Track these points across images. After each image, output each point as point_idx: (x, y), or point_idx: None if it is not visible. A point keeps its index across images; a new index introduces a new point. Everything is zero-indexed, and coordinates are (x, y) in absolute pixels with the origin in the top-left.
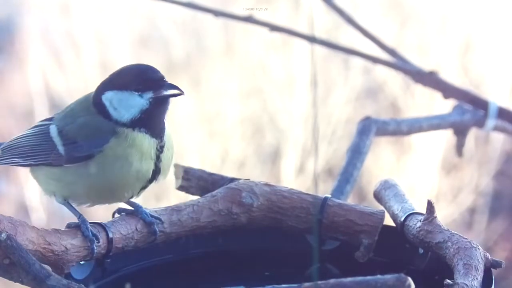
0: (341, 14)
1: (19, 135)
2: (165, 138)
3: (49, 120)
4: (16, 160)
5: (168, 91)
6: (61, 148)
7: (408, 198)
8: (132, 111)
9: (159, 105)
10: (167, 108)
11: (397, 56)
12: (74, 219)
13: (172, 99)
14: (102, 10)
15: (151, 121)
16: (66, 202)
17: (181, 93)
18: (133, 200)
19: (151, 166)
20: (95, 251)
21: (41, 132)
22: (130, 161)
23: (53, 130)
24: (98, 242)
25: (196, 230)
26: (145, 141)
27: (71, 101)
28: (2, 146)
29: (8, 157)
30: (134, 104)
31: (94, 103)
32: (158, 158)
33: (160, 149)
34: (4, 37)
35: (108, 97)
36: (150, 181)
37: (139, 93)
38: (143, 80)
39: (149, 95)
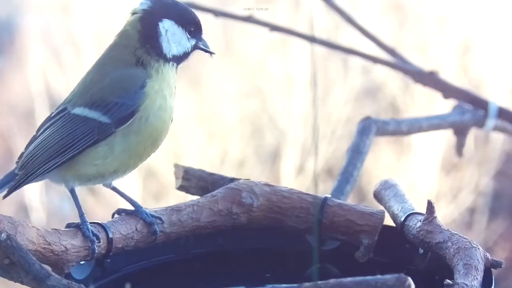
0: (341, 13)
1: (33, 145)
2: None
3: (58, 113)
4: (52, 162)
5: (205, 46)
6: (104, 118)
7: (408, 198)
8: (179, 48)
9: (192, 53)
10: (211, 54)
11: (397, 56)
12: (74, 219)
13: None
14: (102, 10)
15: (181, 62)
16: (73, 190)
17: (213, 53)
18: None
19: (173, 104)
20: (96, 251)
21: (67, 121)
22: (165, 95)
23: (80, 110)
24: (99, 242)
25: (196, 230)
26: (171, 74)
27: None
28: (20, 164)
29: (35, 169)
30: (183, 43)
31: (145, 28)
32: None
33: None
34: (4, 37)
35: (166, 26)
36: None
37: (189, 36)
38: (195, 25)
39: (193, 41)
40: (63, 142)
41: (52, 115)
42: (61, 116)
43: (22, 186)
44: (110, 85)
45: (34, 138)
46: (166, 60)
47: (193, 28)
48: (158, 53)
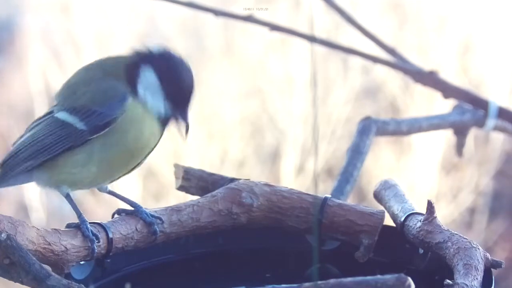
0: (341, 13)
1: (16, 144)
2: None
3: (45, 115)
4: (29, 163)
5: (181, 122)
6: (80, 124)
7: (408, 198)
8: (151, 101)
9: (167, 121)
10: (181, 134)
11: (396, 55)
12: (74, 219)
13: None
14: (102, 10)
15: (162, 119)
16: (69, 197)
17: (183, 136)
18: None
19: (156, 135)
20: (96, 251)
21: (48, 124)
22: (145, 124)
23: (62, 115)
24: (99, 242)
25: (196, 230)
26: (150, 120)
27: None
28: (1, 162)
29: (15, 167)
30: (157, 100)
31: (130, 63)
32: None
33: (162, 133)
34: (4, 37)
35: (147, 73)
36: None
37: (166, 100)
38: (177, 94)
39: (168, 109)
40: (40, 144)
41: (41, 117)
42: (46, 118)
43: (1, 185)
44: (93, 92)
45: (19, 138)
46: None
47: (171, 95)
48: (137, 93)
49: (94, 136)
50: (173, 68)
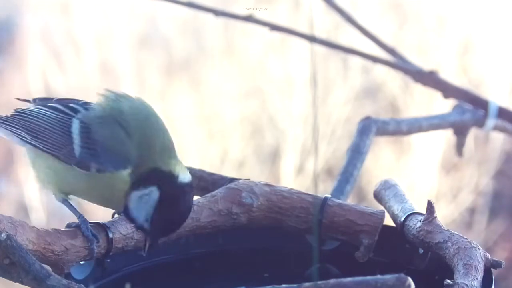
0: (341, 13)
1: (34, 108)
2: None
3: (72, 110)
4: (23, 134)
5: (147, 242)
6: (77, 148)
7: (408, 198)
8: (134, 211)
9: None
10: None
11: (396, 55)
12: (74, 219)
13: None
14: (102, 10)
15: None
16: (65, 201)
17: (143, 251)
18: None
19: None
20: (95, 251)
21: (61, 121)
22: (115, 194)
23: (75, 125)
24: (98, 242)
25: (196, 230)
26: None
27: None
28: (13, 111)
29: (14, 125)
30: (138, 214)
31: (149, 172)
32: None
33: None
34: (4, 37)
35: (153, 193)
36: None
37: (149, 220)
38: (162, 223)
39: (147, 225)
40: (41, 130)
41: (67, 104)
42: (66, 113)
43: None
44: (111, 136)
45: (46, 101)
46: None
47: (161, 224)
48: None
49: (76, 168)
50: (175, 201)
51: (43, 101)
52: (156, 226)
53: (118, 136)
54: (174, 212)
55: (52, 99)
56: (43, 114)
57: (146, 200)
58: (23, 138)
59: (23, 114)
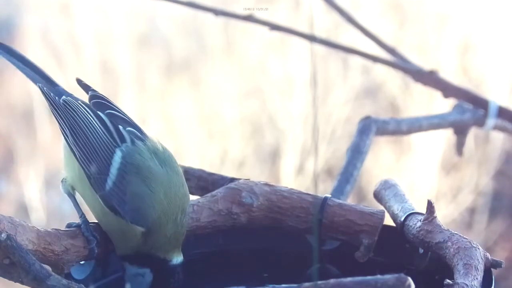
0: (341, 13)
1: (85, 111)
2: None
3: (120, 137)
4: (67, 132)
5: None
6: (109, 181)
7: (408, 198)
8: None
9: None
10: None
11: (396, 55)
12: (74, 219)
13: None
14: (102, 10)
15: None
16: (71, 195)
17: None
18: None
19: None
20: (95, 251)
21: (106, 144)
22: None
23: (117, 158)
24: (98, 242)
25: (196, 230)
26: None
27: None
28: (65, 99)
29: (62, 117)
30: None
31: (150, 251)
32: None
33: None
34: (4, 37)
35: (146, 274)
36: None
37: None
38: None
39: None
40: (84, 139)
41: (114, 124)
42: (113, 139)
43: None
44: (141, 192)
45: (99, 105)
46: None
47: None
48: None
49: (103, 203)
50: (166, 284)
51: (97, 102)
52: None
53: (148, 196)
54: None
55: (105, 102)
56: (91, 125)
57: (140, 280)
58: (65, 136)
59: (74, 112)
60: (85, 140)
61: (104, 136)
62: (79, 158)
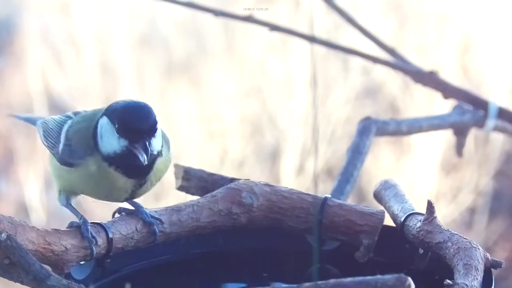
0: (341, 13)
1: (54, 116)
2: (151, 175)
3: (74, 114)
4: (42, 137)
5: (138, 151)
6: (60, 147)
7: (408, 198)
8: (108, 147)
9: (132, 157)
10: (141, 162)
11: (396, 55)
12: (74, 219)
13: None
14: (102, 10)
15: (125, 167)
16: (69, 205)
17: (141, 163)
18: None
19: (125, 193)
20: (95, 251)
21: (60, 123)
22: (100, 184)
23: (66, 126)
24: (97, 243)
25: (196, 230)
26: (118, 179)
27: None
28: (42, 120)
29: (41, 131)
30: (112, 143)
31: (97, 121)
32: (136, 187)
33: (138, 186)
34: (4, 37)
35: (102, 123)
36: (131, 195)
37: (119, 135)
38: (125, 126)
39: (124, 142)
40: (48, 132)
41: (73, 112)
42: (67, 116)
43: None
44: (78, 129)
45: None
46: (104, 159)
47: (122, 129)
48: (97, 148)
49: (62, 166)
50: (124, 109)
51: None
52: (124, 125)
53: (86, 132)
54: (127, 108)
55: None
56: (54, 119)
57: (103, 131)
58: (42, 140)
59: (46, 121)
60: (49, 131)
61: (60, 119)
62: (47, 147)
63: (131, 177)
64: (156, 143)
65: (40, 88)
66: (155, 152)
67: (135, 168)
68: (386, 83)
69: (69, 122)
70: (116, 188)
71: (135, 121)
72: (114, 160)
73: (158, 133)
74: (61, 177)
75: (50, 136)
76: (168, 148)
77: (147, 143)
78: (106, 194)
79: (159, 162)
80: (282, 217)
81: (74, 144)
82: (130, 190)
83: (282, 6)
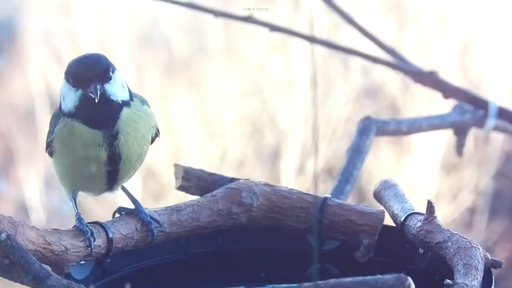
0: (341, 14)
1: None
2: (120, 125)
3: None
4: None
5: (92, 91)
6: (49, 136)
7: (408, 198)
8: (69, 104)
9: (89, 102)
10: (103, 105)
11: (396, 56)
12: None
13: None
14: (103, 10)
15: (87, 115)
16: (73, 199)
17: (96, 98)
18: (124, 185)
19: (102, 153)
20: (92, 241)
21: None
22: (73, 147)
23: (59, 119)
24: (93, 235)
25: (196, 230)
26: (84, 132)
27: None
28: None
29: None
30: (71, 97)
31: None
32: (111, 145)
33: (110, 138)
34: (5, 37)
35: (61, 87)
36: (112, 165)
37: (75, 88)
38: (75, 75)
39: (79, 91)
40: (49, 127)
41: None
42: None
43: None
44: (52, 116)
45: None
46: (69, 116)
47: (75, 80)
48: (62, 111)
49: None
50: (73, 62)
51: None
52: (75, 81)
53: (56, 110)
54: (76, 64)
55: None
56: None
57: (63, 93)
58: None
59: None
60: (49, 129)
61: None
62: (47, 144)
63: (96, 126)
64: (113, 89)
65: (41, 88)
66: (113, 98)
67: (95, 113)
68: (386, 83)
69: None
70: (90, 147)
71: (83, 68)
72: (76, 114)
73: (116, 82)
74: (56, 170)
75: (49, 132)
76: (144, 104)
77: (98, 86)
78: (86, 163)
79: (127, 112)
80: (282, 217)
81: (50, 126)
82: (106, 148)
83: (282, 6)
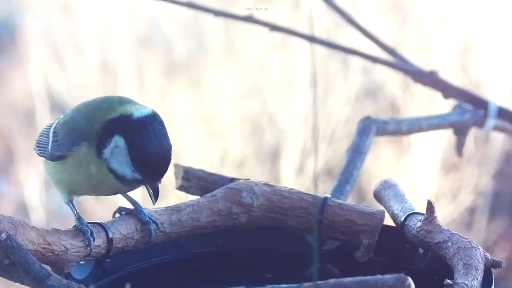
0: (341, 13)
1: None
2: None
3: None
4: (36, 149)
5: (149, 191)
6: (50, 145)
7: (408, 198)
8: (119, 169)
9: (135, 185)
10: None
11: (396, 55)
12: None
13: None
14: (103, 10)
15: (121, 180)
16: (70, 202)
17: (153, 201)
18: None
19: (117, 187)
20: (91, 240)
21: (49, 126)
22: (91, 173)
23: (54, 123)
24: (93, 234)
25: (196, 230)
26: (109, 178)
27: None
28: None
29: (35, 146)
30: (125, 168)
31: (104, 125)
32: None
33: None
34: (5, 37)
35: (118, 142)
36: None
37: (134, 169)
38: (145, 170)
39: (138, 176)
40: (39, 140)
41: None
42: (56, 119)
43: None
44: (66, 121)
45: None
46: (103, 160)
47: (138, 165)
48: (100, 156)
49: (51, 162)
50: (147, 149)
51: None
52: (143, 169)
53: (72, 122)
54: (149, 147)
55: None
56: (44, 128)
57: (117, 152)
58: (36, 151)
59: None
60: (40, 138)
61: (49, 124)
62: (39, 153)
63: (124, 184)
64: None
65: (41, 88)
66: None
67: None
68: (386, 83)
69: (56, 121)
70: (104, 182)
71: (154, 167)
72: (119, 178)
73: None
74: (55, 176)
75: (41, 142)
76: None
77: (159, 186)
78: (95, 186)
79: None
80: (282, 217)
81: (61, 137)
82: (118, 186)
83: (282, 6)
